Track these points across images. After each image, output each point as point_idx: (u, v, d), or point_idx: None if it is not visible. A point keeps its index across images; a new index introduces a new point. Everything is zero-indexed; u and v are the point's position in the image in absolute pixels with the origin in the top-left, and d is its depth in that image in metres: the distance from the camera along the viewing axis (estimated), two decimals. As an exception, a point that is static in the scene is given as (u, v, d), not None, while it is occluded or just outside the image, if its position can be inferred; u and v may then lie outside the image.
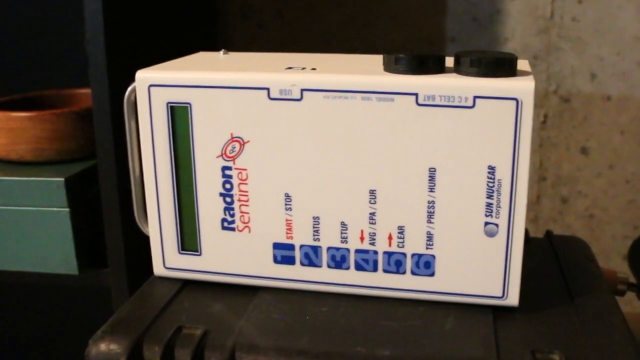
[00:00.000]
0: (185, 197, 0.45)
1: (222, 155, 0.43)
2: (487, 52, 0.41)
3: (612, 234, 0.88)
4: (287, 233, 0.44)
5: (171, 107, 0.43)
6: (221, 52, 0.49)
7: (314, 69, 0.42)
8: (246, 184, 0.43)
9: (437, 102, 0.39)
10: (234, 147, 0.43)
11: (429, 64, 0.40)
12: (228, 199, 0.44)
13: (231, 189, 0.44)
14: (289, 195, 0.43)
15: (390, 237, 0.42)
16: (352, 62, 0.45)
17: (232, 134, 0.42)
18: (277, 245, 0.44)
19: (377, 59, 0.45)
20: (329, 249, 0.43)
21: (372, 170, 0.41)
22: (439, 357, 0.38)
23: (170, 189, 0.44)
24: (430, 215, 0.41)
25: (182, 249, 0.46)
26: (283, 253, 0.44)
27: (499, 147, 0.39)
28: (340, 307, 0.43)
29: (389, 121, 0.40)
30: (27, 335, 1.04)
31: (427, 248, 0.42)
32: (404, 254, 0.42)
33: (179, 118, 0.43)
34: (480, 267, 0.42)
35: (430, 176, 0.41)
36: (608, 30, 0.82)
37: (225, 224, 0.44)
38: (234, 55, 0.49)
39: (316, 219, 0.43)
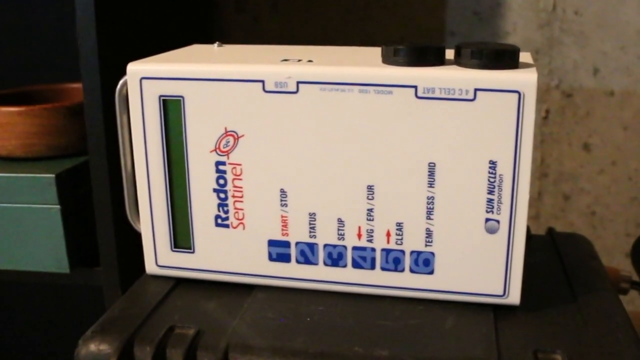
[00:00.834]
0: (178, 193, 0.44)
1: (215, 150, 0.43)
2: (489, 43, 0.41)
3: (614, 231, 0.88)
4: (282, 230, 0.43)
5: (163, 100, 0.42)
6: (215, 45, 0.49)
7: (310, 61, 0.42)
8: (240, 179, 0.43)
9: (437, 94, 0.39)
10: (228, 142, 0.42)
11: (429, 56, 0.40)
12: (222, 195, 0.43)
13: (225, 184, 0.43)
14: (285, 190, 0.42)
15: (388, 234, 0.42)
16: (350, 54, 0.45)
17: (226, 128, 0.42)
18: (272, 243, 0.44)
19: (376, 51, 0.45)
20: (325, 246, 0.43)
21: (370, 165, 0.41)
22: (439, 357, 0.37)
23: (163, 184, 0.44)
24: (430, 212, 0.41)
25: (175, 247, 0.45)
26: (278, 250, 0.44)
27: (500, 141, 0.39)
28: (337, 306, 0.43)
29: (388, 115, 0.40)
30: (17, 335, 1.04)
31: (426, 245, 0.42)
32: (403, 251, 0.42)
33: (171, 112, 0.42)
34: (480, 265, 0.41)
35: (429, 171, 0.40)
36: (611, 24, 0.82)
37: (219, 221, 0.44)
38: (228, 48, 0.48)
39: (312, 215, 0.42)
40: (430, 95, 0.39)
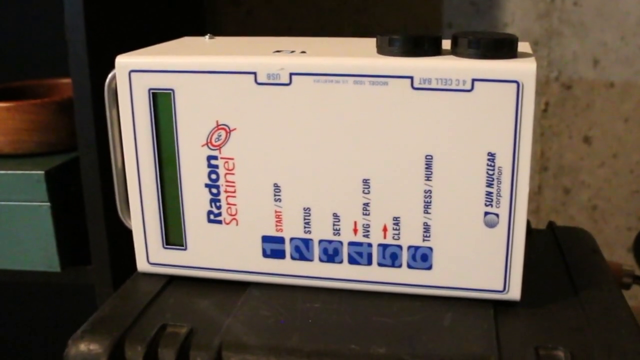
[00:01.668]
0: (169, 189, 0.44)
1: (207, 144, 0.42)
2: (486, 32, 0.40)
3: (615, 225, 0.87)
4: (276, 225, 0.43)
5: (153, 93, 0.42)
6: (206, 37, 0.48)
7: (303, 52, 0.41)
8: (233, 174, 0.42)
9: (434, 85, 0.38)
10: (220, 135, 0.42)
11: (425, 46, 0.39)
12: (214, 190, 0.43)
13: (217, 179, 0.43)
14: (278, 185, 0.42)
15: (385, 229, 0.41)
16: (344, 45, 0.44)
17: (217, 122, 0.41)
18: (266, 239, 0.43)
19: (370, 42, 0.44)
20: (320, 241, 0.42)
21: (366, 159, 0.40)
22: (437, 355, 0.37)
23: (153, 180, 0.43)
24: (427, 206, 0.40)
25: (167, 244, 0.45)
26: (272, 246, 0.43)
27: (499, 133, 0.38)
28: (333, 303, 0.42)
29: (383, 106, 0.39)
30: (7, 335, 1.03)
31: (424, 240, 0.41)
32: (400, 247, 0.41)
33: (161, 105, 0.42)
34: (480, 260, 0.41)
35: (426, 164, 0.40)
36: (611, 14, 0.81)
37: (212, 217, 0.43)
38: (220, 40, 0.48)
39: (307, 210, 0.42)
40: (426, 86, 0.38)
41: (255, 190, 0.42)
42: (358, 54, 0.40)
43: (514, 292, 0.41)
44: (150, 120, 0.42)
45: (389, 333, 0.39)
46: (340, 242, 0.42)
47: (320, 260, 0.43)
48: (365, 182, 0.41)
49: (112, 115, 0.44)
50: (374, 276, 0.42)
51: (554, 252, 0.50)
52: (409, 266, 0.42)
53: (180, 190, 0.43)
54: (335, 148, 0.40)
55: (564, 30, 0.83)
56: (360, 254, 0.42)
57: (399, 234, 0.41)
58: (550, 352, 0.37)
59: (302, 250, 0.43)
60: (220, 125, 0.41)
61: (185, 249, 0.44)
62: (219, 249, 0.44)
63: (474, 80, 0.38)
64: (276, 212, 0.42)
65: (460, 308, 0.41)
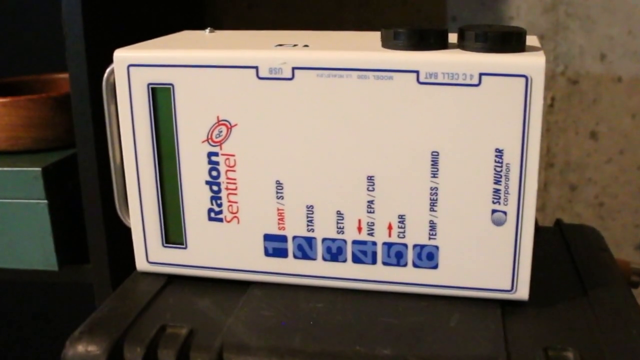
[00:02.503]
0: (169, 186, 0.43)
1: (207, 140, 0.42)
2: (494, 26, 0.40)
3: (623, 222, 0.87)
4: (278, 223, 0.42)
5: (152, 88, 0.41)
6: (207, 31, 0.48)
7: (306, 45, 0.41)
8: (234, 171, 0.42)
9: (440, 79, 0.38)
10: (221, 131, 0.41)
11: (431, 39, 0.39)
12: (215, 188, 0.42)
13: (218, 176, 0.42)
14: (281, 182, 0.41)
15: (390, 227, 0.41)
16: (348, 38, 0.44)
17: (218, 117, 0.41)
18: (268, 237, 0.43)
19: (375, 36, 0.44)
20: (324, 240, 0.42)
21: (370, 155, 0.40)
22: (444, 356, 0.37)
23: (153, 177, 0.43)
24: (433, 203, 0.40)
25: (166, 242, 0.44)
26: (275, 245, 0.43)
27: (507, 128, 0.38)
28: (337, 303, 0.42)
29: (388, 101, 0.39)
30: (4, 335, 1.03)
31: (429, 238, 0.41)
32: (405, 245, 0.41)
33: (160, 100, 0.42)
34: (487, 259, 0.40)
35: (432, 160, 0.39)
36: (618, 7, 0.81)
37: (212, 215, 0.43)
38: (221, 34, 0.47)
39: (310, 208, 0.41)
40: (432, 80, 0.38)
41: (257, 188, 0.42)
42: (362, 47, 0.40)
43: (522, 292, 0.41)
44: (150, 116, 0.42)
45: (394, 334, 0.38)
46: (344, 241, 0.42)
47: (324, 259, 0.42)
48: (370, 179, 0.40)
49: (111, 111, 0.44)
50: (378, 275, 0.42)
51: (561, 250, 0.49)
52: (415, 265, 0.41)
53: (180, 187, 0.43)
54: (338, 144, 0.40)
55: (570, 24, 0.82)
56: (364, 253, 0.42)
57: (404, 232, 0.41)
58: (560, 353, 0.37)
59: (305, 249, 0.42)
60: (221, 121, 0.41)
61: (185, 248, 0.44)
62: (220, 248, 0.43)
63: (481, 74, 0.37)
64: (278, 209, 0.42)
65: (467, 308, 0.41)
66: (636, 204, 0.86)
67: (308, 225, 0.42)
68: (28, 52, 0.88)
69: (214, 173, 0.42)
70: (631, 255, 0.87)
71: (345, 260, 0.42)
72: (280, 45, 0.41)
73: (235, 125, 0.41)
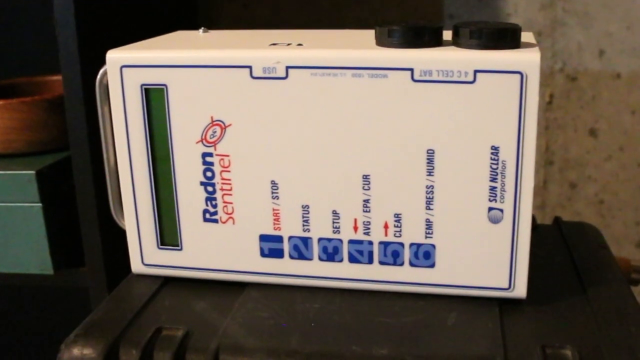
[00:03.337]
0: (163, 187, 0.43)
1: (202, 141, 0.42)
2: (489, 22, 0.40)
3: (623, 220, 0.87)
4: (274, 224, 0.42)
5: (146, 89, 0.42)
6: (200, 30, 0.48)
7: (300, 44, 0.41)
8: (229, 171, 0.42)
9: (435, 77, 0.38)
10: (215, 132, 0.41)
11: (425, 37, 0.39)
12: (210, 188, 0.42)
13: (213, 177, 0.42)
14: (276, 182, 0.41)
15: (386, 226, 0.41)
16: (342, 37, 0.44)
17: (212, 118, 0.41)
18: (263, 237, 0.43)
19: (369, 34, 0.44)
20: (320, 240, 0.42)
21: (366, 154, 0.40)
22: (441, 355, 0.37)
23: (147, 178, 0.43)
24: (429, 201, 0.40)
25: (162, 244, 0.44)
26: (270, 245, 0.43)
27: (502, 126, 0.38)
28: (334, 303, 0.42)
29: (383, 99, 0.39)
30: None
31: (426, 237, 0.41)
32: (402, 244, 0.41)
33: (154, 101, 0.42)
34: (484, 257, 0.40)
35: (428, 158, 0.39)
36: (617, 3, 0.81)
37: (208, 216, 0.43)
38: (214, 33, 0.47)
39: (305, 208, 0.42)
40: (427, 78, 0.38)
41: (252, 188, 0.42)
42: (356, 45, 0.40)
43: (520, 290, 0.41)
44: (143, 117, 0.42)
45: (391, 333, 0.39)
46: (340, 240, 0.42)
47: (320, 259, 0.43)
48: (365, 178, 0.40)
49: (104, 112, 0.44)
50: (375, 275, 0.42)
51: (560, 248, 0.50)
52: (411, 264, 0.41)
53: (174, 188, 0.43)
54: (334, 143, 0.40)
55: (568, 21, 0.82)
56: (360, 252, 0.42)
57: (400, 231, 0.41)
58: (558, 351, 0.37)
59: (301, 249, 0.43)
60: (215, 121, 0.41)
61: (180, 249, 0.44)
62: (216, 249, 0.44)
63: (476, 71, 0.38)
64: (274, 210, 0.42)
65: (464, 307, 0.41)
66: (636, 201, 0.86)
67: (304, 225, 0.42)
68: (21, 54, 0.88)
69: (209, 174, 0.42)
70: (632, 253, 0.87)
71: (341, 260, 0.42)
72: (274, 44, 0.41)
73: (230, 125, 0.41)
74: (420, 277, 0.42)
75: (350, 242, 0.42)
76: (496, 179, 0.39)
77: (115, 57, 0.42)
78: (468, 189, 0.39)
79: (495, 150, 0.39)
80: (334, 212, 0.41)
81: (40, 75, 0.77)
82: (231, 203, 0.43)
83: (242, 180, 0.42)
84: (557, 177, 0.87)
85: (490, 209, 0.40)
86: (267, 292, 0.43)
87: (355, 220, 0.41)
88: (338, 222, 0.42)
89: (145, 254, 0.45)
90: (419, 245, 0.41)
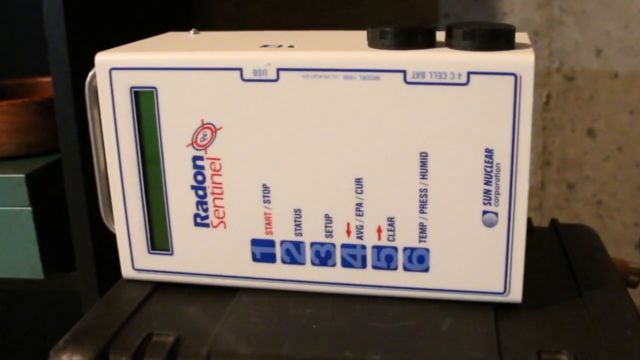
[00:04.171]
0: (154, 192, 0.43)
1: (192, 144, 0.42)
2: (482, 23, 0.40)
3: (622, 221, 0.87)
4: (266, 228, 0.42)
5: (135, 92, 0.41)
6: (191, 32, 0.48)
7: (291, 46, 0.41)
8: (220, 175, 0.42)
9: (427, 79, 0.38)
10: (206, 135, 0.41)
11: (418, 38, 0.39)
12: (200, 192, 0.42)
13: (203, 181, 0.42)
14: (267, 186, 0.41)
15: (379, 230, 0.41)
16: (334, 38, 0.44)
17: (202, 121, 0.41)
18: (255, 242, 0.43)
19: (361, 35, 0.44)
20: (312, 244, 0.42)
21: (358, 157, 0.40)
22: (435, 361, 0.37)
23: (137, 182, 0.43)
24: (423, 205, 0.40)
25: (152, 249, 0.44)
26: (262, 250, 0.43)
27: (496, 128, 0.38)
28: (326, 308, 0.42)
29: (375, 102, 0.39)
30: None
31: (420, 241, 0.41)
32: (395, 248, 0.41)
33: (144, 104, 0.42)
34: (479, 261, 0.40)
35: (421, 161, 0.39)
36: (614, 2, 0.81)
37: (199, 220, 0.43)
38: (205, 35, 0.47)
39: (297, 212, 0.42)
40: (420, 80, 0.38)
41: (243, 192, 0.42)
42: (348, 47, 0.40)
43: (515, 294, 0.41)
44: (133, 120, 0.42)
45: (384, 339, 0.39)
46: (333, 245, 0.42)
47: (313, 263, 0.42)
48: (358, 181, 0.40)
49: (94, 115, 0.44)
50: (368, 279, 0.42)
51: (556, 251, 0.50)
52: (405, 268, 0.41)
53: (165, 192, 0.43)
54: (325, 146, 0.40)
55: (565, 19, 0.82)
56: (354, 257, 0.42)
57: (394, 235, 0.41)
58: (554, 356, 0.37)
59: (293, 254, 0.42)
60: (206, 124, 0.41)
61: (171, 254, 0.44)
62: (207, 254, 0.43)
63: (469, 73, 0.37)
64: (265, 214, 0.42)
65: (459, 311, 0.41)
66: (635, 201, 0.86)
67: (296, 230, 0.42)
68: (10, 56, 0.88)
69: (200, 177, 0.42)
70: (630, 254, 0.87)
71: (334, 265, 0.42)
72: (265, 46, 0.41)
73: (220, 128, 0.41)
74: (414, 282, 0.42)
75: (343, 246, 0.42)
76: (490, 181, 0.39)
77: (104, 59, 0.41)
78: (462, 192, 0.39)
79: (489, 152, 0.38)
80: (327, 216, 0.41)
81: (30, 77, 0.77)
82: (222, 207, 0.42)
83: (233, 184, 0.42)
84: (554, 177, 0.87)
85: (484, 212, 0.40)
86: (259, 297, 0.43)
87: (348, 224, 0.41)
88: (331, 226, 0.42)
89: (135, 259, 0.45)
90: (412, 249, 0.41)
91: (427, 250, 0.41)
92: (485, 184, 0.39)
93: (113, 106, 0.42)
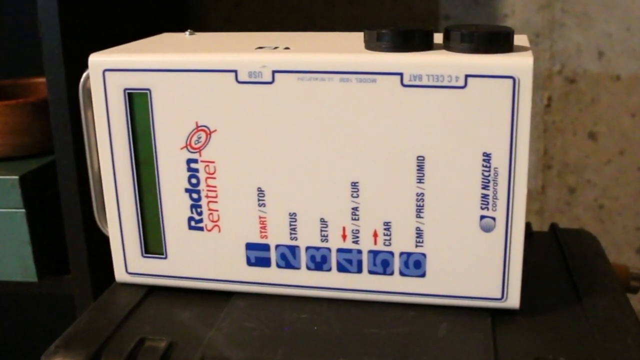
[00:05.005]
0: (148, 195, 0.43)
1: (186, 147, 0.41)
2: (480, 25, 0.40)
3: (623, 225, 0.87)
4: (261, 232, 0.42)
5: (129, 94, 0.41)
6: (186, 33, 0.48)
7: (287, 48, 0.41)
8: (214, 178, 0.42)
9: (425, 82, 0.38)
10: (200, 137, 0.41)
11: (415, 40, 0.39)
12: (195, 196, 0.42)
13: (198, 184, 0.42)
14: (262, 189, 0.41)
15: (375, 235, 0.41)
16: (331, 40, 0.44)
17: (197, 123, 0.41)
18: (250, 246, 0.43)
19: (358, 37, 0.44)
20: (307, 248, 0.42)
21: (354, 160, 0.40)
22: (431, 368, 0.36)
23: (131, 185, 0.43)
24: (420, 209, 0.40)
25: (146, 252, 0.44)
26: (257, 254, 0.43)
27: (494, 132, 0.38)
28: (322, 313, 0.42)
29: (371, 105, 0.39)
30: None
31: (416, 246, 0.41)
32: (392, 253, 0.41)
33: (137, 106, 0.42)
34: (476, 266, 0.40)
35: (418, 165, 0.39)
36: (616, 4, 0.81)
37: (193, 223, 0.43)
38: (201, 36, 0.47)
39: (293, 216, 0.41)
40: (417, 82, 0.38)
41: (238, 195, 0.42)
42: (345, 49, 0.40)
43: (513, 300, 0.41)
44: (126, 122, 0.42)
45: (380, 345, 0.38)
46: (329, 249, 0.42)
47: (308, 268, 0.42)
48: (354, 185, 0.40)
49: (88, 117, 0.44)
50: (364, 284, 0.42)
51: (555, 256, 0.49)
52: (402, 273, 0.41)
53: (159, 195, 0.43)
54: (321, 150, 0.40)
55: (567, 21, 0.82)
56: (349, 261, 0.42)
57: (390, 239, 0.41)
58: (551, 364, 0.37)
59: (288, 258, 0.42)
60: (200, 126, 0.41)
61: (165, 258, 0.44)
62: (201, 258, 0.43)
63: (467, 76, 0.37)
64: (260, 217, 0.42)
65: (455, 317, 0.41)
66: (637, 206, 0.86)
67: (291, 234, 0.42)
68: (4, 56, 0.88)
69: (194, 180, 0.42)
70: (632, 259, 0.87)
71: (329, 269, 0.42)
72: (261, 47, 0.41)
73: (215, 131, 0.41)
74: (410, 287, 0.41)
75: (339, 250, 0.42)
76: (488, 186, 0.39)
77: (97, 60, 0.41)
78: (459, 197, 0.39)
79: (487, 156, 0.38)
80: (322, 220, 0.41)
81: (24, 77, 0.77)
82: (217, 210, 0.42)
83: (227, 187, 0.42)
84: (555, 181, 0.87)
85: (482, 217, 0.39)
86: (253, 302, 0.43)
87: (344, 228, 0.41)
88: (326, 231, 0.41)
89: (129, 263, 0.45)
90: (409, 254, 0.41)
91: (424, 255, 0.41)
92: (483, 188, 0.39)
93: (107, 108, 0.42)
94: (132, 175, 0.43)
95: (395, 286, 0.42)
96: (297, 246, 0.42)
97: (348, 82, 0.39)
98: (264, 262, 0.43)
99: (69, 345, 0.39)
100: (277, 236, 0.42)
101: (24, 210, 0.60)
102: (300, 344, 0.39)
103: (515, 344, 0.38)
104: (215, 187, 0.42)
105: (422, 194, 0.40)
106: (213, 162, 0.41)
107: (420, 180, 0.39)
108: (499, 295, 0.41)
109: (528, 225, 0.54)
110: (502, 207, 0.39)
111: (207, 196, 0.42)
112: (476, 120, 0.38)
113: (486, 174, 0.39)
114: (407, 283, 0.41)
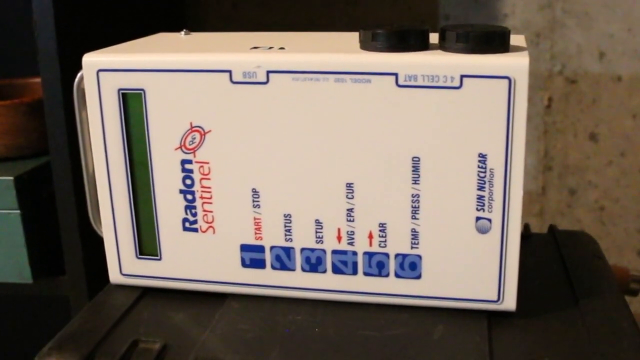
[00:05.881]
0: (142, 196, 0.43)
1: (181, 147, 0.42)
2: (476, 25, 0.40)
3: (624, 227, 0.87)
4: (255, 233, 0.42)
5: (123, 94, 0.41)
6: (182, 33, 0.48)
7: (282, 48, 0.41)
8: (209, 179, 0.42)
9: (420, 82, 0.38)
10: (194, 138, 0.41)
11: (411, 40, 0.39)
12: (189, 197, 0.42)
13: (192, 185, 0.42)
14: (257, 190, 0.41)
15: (370, 236, 0.41)
16: (326, 40, 0.44)
17: (191, 123, 0.41)
18: (245, 247, 0.43)
19: (354, 37, 0.44)
20: (302, 250, 0.42)
21: (349, 161, 0.40)
22: (426, 370, 0.37)
23: (125, 186, 0.43)
24: (415, 211, 0.40)
25: (140, 254, 0.44)
26: (252, 256, 0.43)
27: (490, 133, 0.38)
28: (316, 315, 0.42)
29: (366, 105, 0.39)
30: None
31: (412, 247, 0.41)
32: (387, 255, 0.41)
33: (131, 106, 0.42)
34: (472, 268, 0.40)
35: (414, 166, 0.39)
36: (617, 4, 0.81)
37: (187, 225, 0.43)
38: (196, 36, 0.47)
39: (288, 217, 0.42)
40: (412, 83, 0.38)
41: (232, 196, 0.42)
42: (340, 49, 0.40)
43: (509, 302, 0.41)
44: (121, 123, 0.42)
45: (375, 347, 0.38)
46: (324, 251, 0.42)
47: (303, 269, 0.42)
48: (349, 186, 0.40)
49: (82, 117, 0.44)
50: (359, 286, 0.42)
51: (554, 258, 0.49)
52: (397, 275, 0.41)
53: (153, 197, 0.43)
54: (316, 150, 0.40)
55: (567, 22, 0.82)
56: (344, 263, 0.42)
57: (385, 241, 0.41)
58: (547, 366, 0.37)
59: (283, 260, 0.42)
60: (195, 127, 0.41)
61: (159, 259, 0.44)
62: (195, 259, 0.43)
63: (462, 76, 0.37)
64: (255, 219, 0.42)
65: (451, 320, 0.41)
66: (638, 207, 0.86)
67: (286, 235, 0.42)
68: (0, 56, 0.88)
69: (188, 181, 0.42)
70: (633, 261, 0.87)
71: (325, 271, 0.42)
72: (256, 47, 0.41)
73: (209, 131, 0.41)
74: (406, 289, 0.42)
75: (334, 252, 0.42)
76: (484, 187, 0.39)
77: (91, 60, 0.42)
78: (455, 198, 0.39)
79: (482, 157, 0.38)
80: (317, 222, 0.41)
81: (20, 77, 0.77)
82: (211, 212, 0.42)
83: (222, 188, 0.42)
84: (556, 183, 0.87)
85: (478, 218, 0.40)
86: (248, 304, 0.43)
87: (339, 229, 0.41)
88: (321, 232, 0.41)
89: (123, 264, 0.45)
90: (404, 255, 0.41)
91: (419, 257, 0.41)
92: (479, 189, 0.39)
93: (101, 108, 0.42)
94: (126, 176, 0.43)
95: (390, 288, 0.42)
96: (292, 247, 0.42)
97: (343, 83, 0.39)
98: (259, 264, 0.43)
99: (62, 347, 0.39)
100: (272, 237, 0.42)
101: (19, 211, 0.61)
102: (295, 346, 0.39)
103: (511, 346, 0.38)
104: (209, 188, 0.42)
105: (418, 195, 0.40)
106: (207, 162, 0.42)
107: (415, 181, 0.39)
108: (495, 298, 0.41)
109: (527, 227, 0.54)
110: (498, 209, 0.39)
111: (201, 197, 0.42)
112: (472, 120, 0.38)
113: (482, 175, 0.39)
114: (402, 285, 0.41)
